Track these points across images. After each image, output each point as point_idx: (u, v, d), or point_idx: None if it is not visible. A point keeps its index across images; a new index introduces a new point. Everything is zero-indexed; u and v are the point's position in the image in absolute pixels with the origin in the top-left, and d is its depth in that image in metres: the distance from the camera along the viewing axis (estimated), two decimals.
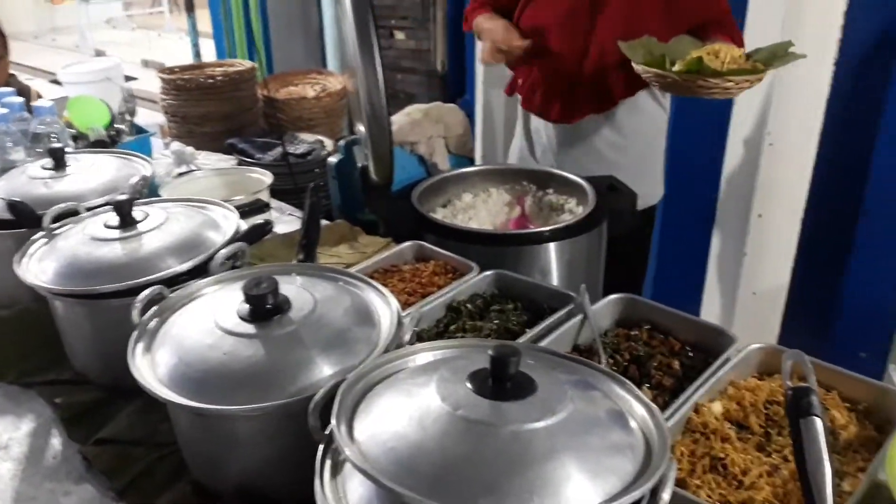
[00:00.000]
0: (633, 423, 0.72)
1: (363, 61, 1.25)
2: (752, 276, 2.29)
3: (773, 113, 2.06)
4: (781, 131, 2.07)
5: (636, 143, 1.90)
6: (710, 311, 2.47)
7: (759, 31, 1.85)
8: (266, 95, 2.32)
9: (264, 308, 0.90)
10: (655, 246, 2.53)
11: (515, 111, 2.10)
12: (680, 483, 0.82)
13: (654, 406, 0.72)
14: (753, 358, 0.99)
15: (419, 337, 1.11)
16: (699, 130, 2.29)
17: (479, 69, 2.86)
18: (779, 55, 1.51)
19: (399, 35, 3.23)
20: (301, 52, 3.77)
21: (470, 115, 2.99)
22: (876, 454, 0.84)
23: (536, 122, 1.98)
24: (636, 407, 0.74)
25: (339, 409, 0.71)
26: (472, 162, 1.94)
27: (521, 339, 1.05)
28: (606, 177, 1.78)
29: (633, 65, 1.54)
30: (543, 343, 1.04)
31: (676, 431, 0.89)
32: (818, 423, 0.62)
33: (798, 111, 2.03)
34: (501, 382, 0.70)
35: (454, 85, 3.14)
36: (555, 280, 1.54)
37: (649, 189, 1.94)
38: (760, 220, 2.21)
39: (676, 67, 1.46)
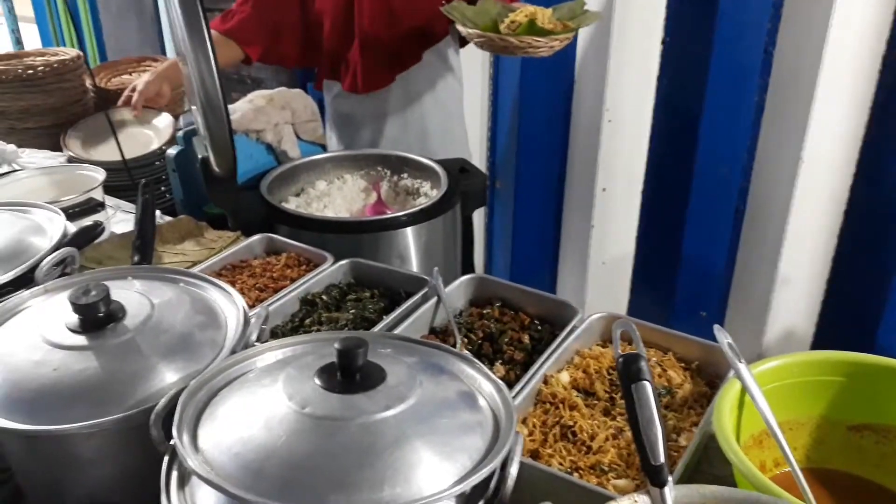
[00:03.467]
0: (482, 401, 0.73)
1: (192, 45, 1.19)
2: (601, 247, 2.42)
3: (609, 90, 2.17)
4: (618, 108, 2.19)
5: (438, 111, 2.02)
6: (566, 282, 2.58)
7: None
8: (95, 86, 2.15)
9: (95, 317, 0.84)
10: (511, 224, 2.61)
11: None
12: (533, 454, 0.86)
13: (500, 383, 0.74)
14: (596, 327, 1.05)
15: (273, 334, 1.08)
16: (545, 110, 2.37)
17: None
18: (577, 14, 1.63)
19: None
20: (136, 39, 3.53)
21: (320, 100, 2.94)
22: (707, 408, 0.92)
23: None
24: (485, 385, 0.75)
25: (180, 417, 0.68)
26: (324, 149, 1.90)
27: (378, 327, 1.05)
28: (458, 159, 1.81)
29: (461, 28, 1.60)
30: (400, 328, 1.04)
31: (528, 404, 0.92)
32: (647, 387, 0.66)
33: (632, 88, 2.15)
34: (350, 375, 0.69)
35: (303, 70, 3.06)
36: (414, 264, 1.55)
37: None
38: (605, 193, 2.32)
39: (503, 29, 1.56)
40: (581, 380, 0.96)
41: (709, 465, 0.90)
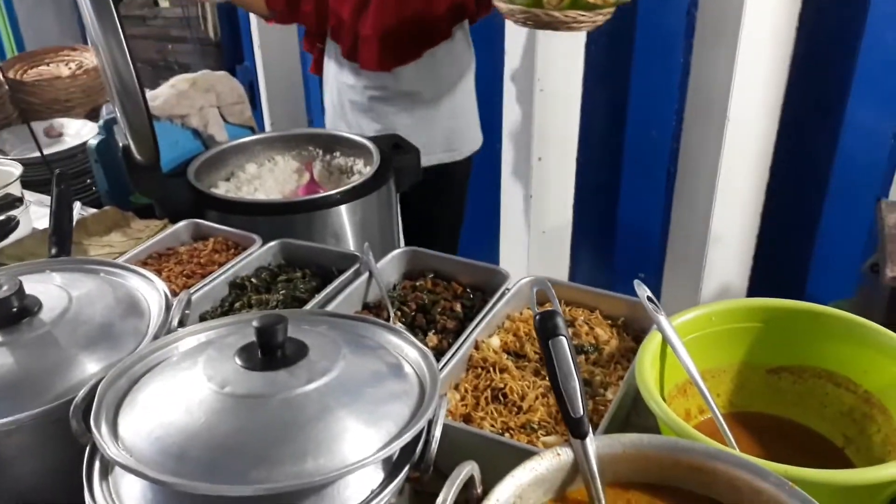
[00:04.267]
0: (408, 369, 0.73)
1: (103, 32, 1.15)
2: (540, 217, 2.44)
3: (539, 61, 2.18)
4: (549, 77, 2.20)
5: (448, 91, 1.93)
6: (509, 254, 2.60)
7: None
8: (9, 78, 2.06)
9: (8, 312, 0.81)
10: None
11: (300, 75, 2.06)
12: (466, 418, 0.87)
13: (426, 349, 0.74)
14: (525, 291, 1.06)
15: (202, 319, 1.06)
16: (478, 84, 2.37)
17: (256, 34, 2.76)
18: None
19: (163, 3, 3.01)
20: (55, 29, 3.41)
21: (253, 82, 2.88)
22: (633, 362, 0.94)
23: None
24: (411, 353, 0.76)
25: (98, 406, 0.67)
26: (253, 131, 1.87)
27: (308, 306, 1.04)
28: (391, 135, 1.80)
29: (501, 4, 1.49)
30: (331, 305, 1.04)
31: (459, 370, 0.93)
32: (563, 342, 0.67)
33: (561, 56, 2.17)
34: (270, 352, 0.69)
35: (230, 52, 3.00)
36: (350, 242, 1.54)
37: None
38: (540, 163, 2.35)
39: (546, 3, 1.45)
40: (511, 343, 0.98)
41: (637, 416, 0.93)
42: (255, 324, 0.69)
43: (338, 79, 1.97)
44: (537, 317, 0.69)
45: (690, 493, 0.67)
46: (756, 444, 0.88)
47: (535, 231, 2.48)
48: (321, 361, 0.69)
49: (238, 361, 0.69)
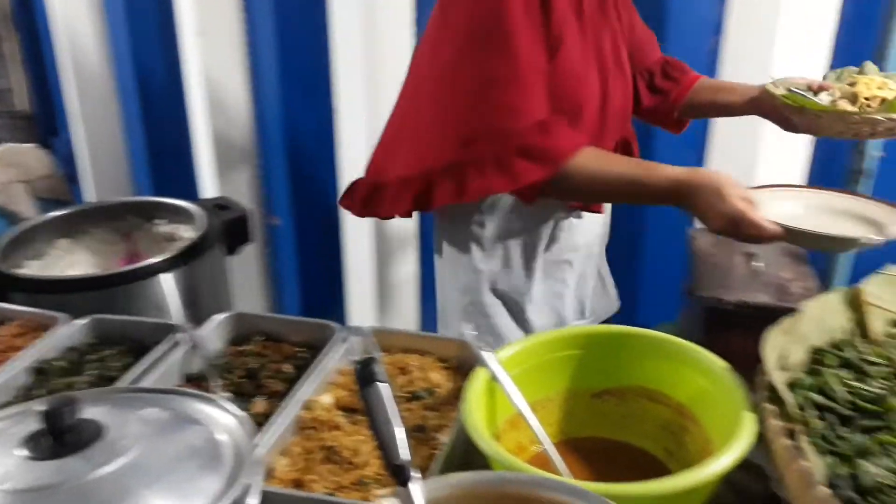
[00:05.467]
0: (223, 439, 0.69)
1: None
2: (386, 268, 2.45)
3: (368, 117, 2.21)
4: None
5: None
6: (357, 309, 2.56)
7: None
8: None
9: None
10: (296, 260, 2.56)
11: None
12: (296, 482, 0.83)
13: (242, 416, 0.70)
14: (359, 343, 1.04)
15: None
16: (312, 146, 2.36)
17: (74, 104, 2.60)
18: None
19: None
20: None
21: (68, 155, 2.71)
22: None
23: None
24: (228, 421, 0.72)
25: None
26: (66, 204, 1.75)
27: (119, 383, 0.96)
28: (217, 197, 1.74)
29: (799, 114, 1.28)
30: (147, 380, 0.97)
31: (288, 433, 0.89)
32: (380, 388, 0.66)
33: None
34: (58, 438, 0.62)
35: (43, 124, 2.82)
36: (177, 311, 1.46)
37: None
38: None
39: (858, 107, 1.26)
40: (344, 398, 0.95)
41: (478, 455, 0.93)
42: (40, 408, 0.62)
43: None
44: (357, 365, 0.68)
45: None
46: (587, 468, 0.90)
47: (383, 284, 2.47)
48: (120, 441, 0.64)
49: (23, 452, 0.62)
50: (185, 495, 0.61)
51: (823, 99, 1.30)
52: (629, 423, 0.96)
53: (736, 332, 1.48)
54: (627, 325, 0.99)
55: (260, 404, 0.96)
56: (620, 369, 0.96)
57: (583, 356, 0.96)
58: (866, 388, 0.82)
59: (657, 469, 0.91)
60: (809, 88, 1.32)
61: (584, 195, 1.27)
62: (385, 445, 0.65)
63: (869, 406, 0.79)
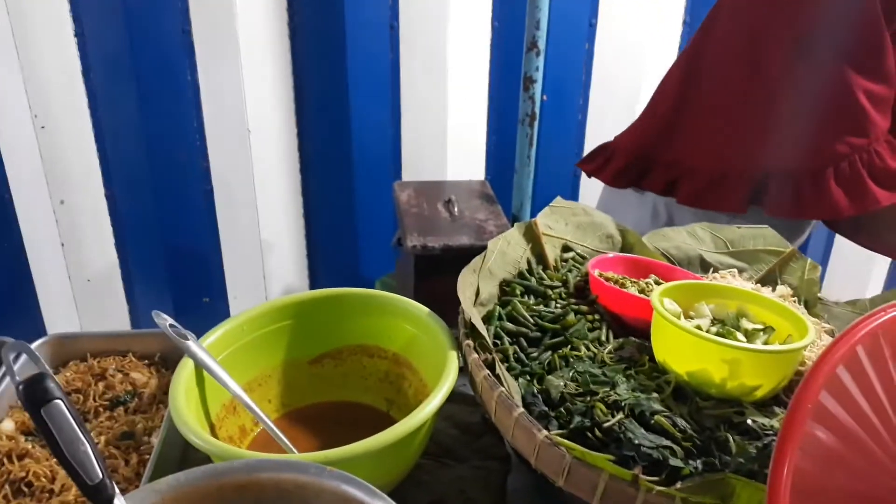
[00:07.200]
0: None
1: None
2: (80, 264, 2.20)
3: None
4: (49, 115, 1.97)
5: None
6: (55, 308, 2.27)
7: None
8: None
9: None
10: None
11: None
12: None
13: None
14: (48, 350, 0.92)
15: None
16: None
17: None
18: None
19: None
20: None
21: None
22: None
23: None
24: None
25: None
26: None
27: None
28: None
29: None
30: None
31: None
32: (59, 405, 0.59)
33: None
34: None
35: None
36: None
37: None
38: (63, 206, 2.10)
39: None
40: (29, 422, 0.84)
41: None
42: None
43: None
44: (20, 387, 0.59)
45: None
46: (315, 437, 0.90)
47: (77, 280, 2.21)
48: None
49: None
50: None
51: None
52: (350, 382, 0.97)
53: (445, 275, 1.57)
54: (354, 285, 0.99)
55: None
56: (334, 332, 0.97)
57: (294, 325, 0.95)
58: (548, 310, 0.92)
59: (382, 421, 0.94)
60: None
61: None
62: (75, 468, 0.58)
63: (550, 325, 0.89)
